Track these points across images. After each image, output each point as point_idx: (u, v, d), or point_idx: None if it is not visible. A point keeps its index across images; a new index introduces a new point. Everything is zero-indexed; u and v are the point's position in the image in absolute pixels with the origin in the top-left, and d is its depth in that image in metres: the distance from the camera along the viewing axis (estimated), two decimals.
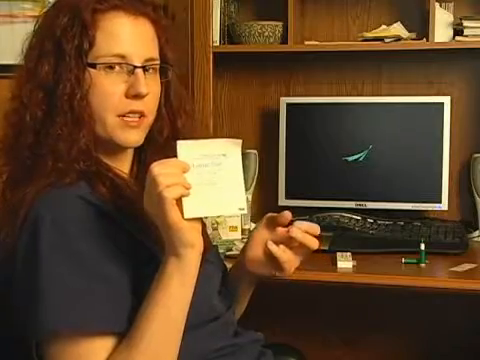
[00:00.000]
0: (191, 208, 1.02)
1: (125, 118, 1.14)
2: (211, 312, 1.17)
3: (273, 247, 1.20)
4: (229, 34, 2.31)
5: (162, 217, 0.99)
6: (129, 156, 1.22)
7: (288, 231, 1.20)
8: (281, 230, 1.22)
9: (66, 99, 1.10)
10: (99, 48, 1.12)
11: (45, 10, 1.18)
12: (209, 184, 1.04)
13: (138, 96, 1.13)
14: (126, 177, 1.19)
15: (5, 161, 1.13)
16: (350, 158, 2.26)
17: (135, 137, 1.16)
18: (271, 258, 1.23)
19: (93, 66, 1.11)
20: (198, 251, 1.03)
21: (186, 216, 1.01)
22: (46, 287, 1.00)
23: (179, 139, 1.21)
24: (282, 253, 1.20)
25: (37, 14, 1.19)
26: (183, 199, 1.01)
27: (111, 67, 1.12)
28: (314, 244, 1.19)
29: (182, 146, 1.04)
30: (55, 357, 1.01)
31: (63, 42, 1.11)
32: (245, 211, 1.07)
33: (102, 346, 1.01)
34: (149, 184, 1.00)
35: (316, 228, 1.20)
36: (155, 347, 1.01)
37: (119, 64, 1.12)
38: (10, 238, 1.04)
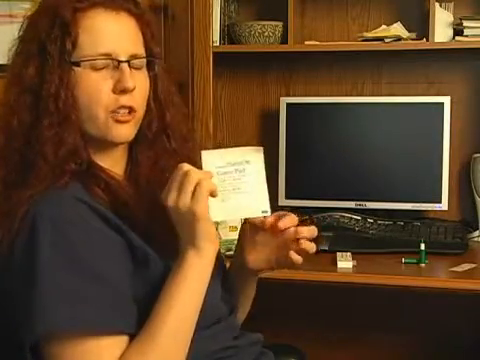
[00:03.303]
0: (216, 212, 1.07)
1: (115, 114, 1.13)
2: (214, 314, 1.17)
3: (295, 257, 1.21)
4: (229, 34, 2.31)
5: (194, 207, 1.03)
6: (122, 155, 1.21)
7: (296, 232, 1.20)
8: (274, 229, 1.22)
9: (52, 100, 1.09)
10: (83, 48, 1.11)
11: (28, 14, 1.17)
12: (233, 189, 1.10)
13: (125, 91, 1.12)
14: (119, 178, 1.18)
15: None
16: (350, 158, 2.26)
17: (126, 132, 1.15)
18: (271, 254, 1.24)
19: (77, 64, 1.11)
20: (216, 247, 1.08)
21: (212, 218, 1.07)
22: (45, 288, 0.99)
23: (168, 133, 1.22)
24: (298, 258, 1.21)
25: None
26: (209, 204, 1.06)
27: (97, 65, 1.12)
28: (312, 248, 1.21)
29: (206, 155, 1.09)
30: (56, 358, 1.01)
31: (47, 44, 1.10)
32: (268, 213, 1.13)
33: (104, 345, 1.01)
34: (181, 178, 1.04)
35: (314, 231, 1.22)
36: (169, 342, 1.03)
37: (104, 62, 1.12)
38: (6, 240, 1.04)
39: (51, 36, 1.10)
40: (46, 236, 1.01)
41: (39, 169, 1.07)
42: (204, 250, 1.06)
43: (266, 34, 2.23)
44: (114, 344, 1.02)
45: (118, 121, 1.13)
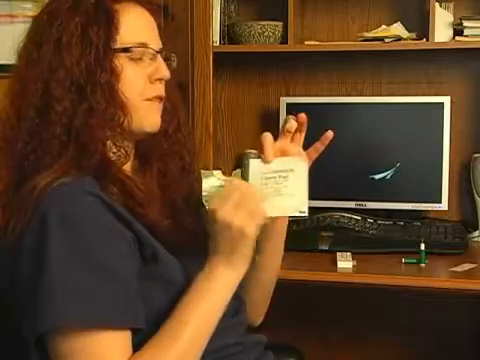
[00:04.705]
0: None
1: (151, 103, 1.17)
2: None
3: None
4: (229, 34, 2.31)
5: (247, 227, 1.07)
6: (131, 152, 1.22)
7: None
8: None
9: (105, 86, 1.10)
10: (124, 36, 1.14)
11: (49, 8, 1.17)
12: (274, 191, 1.15)
13: (162, 79, 1.18)
14: (132, 176, 1.19)
15: (12, 156, 1.11)
16: (350, 158, 2.26)
17: (159, 120, 1.20)
18: None
19: (123, 51, 1.13)
20: (246, 269, 1.12)
21: None
22: (54, 282, 1.00)
23: (181, 130, 1.26)
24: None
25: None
26: None
27: (135, 53, 1.15)
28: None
29: (253, 163, 1.16)
30: (64, 353, 1.01)
31: (89, 32, 1.11)
32: (306, 214, 1.17)
33: (110, 340, 1.01)
34: (243, 195, 1.09)
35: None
36: (187, 347, 1.05)
37: (143, 51, 1.15)
38: (17, 232, 1.04)
39: (93, 25, 1.12)
40: (56, 231, 1.01)
41: (67, 159, 1.07)
42: (236, 267, 1.11)
43: (266, 34, 2.23)
44: (121, 339, 1.02)
45: (153, 109, 1.18)
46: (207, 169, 1.98)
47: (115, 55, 1.12)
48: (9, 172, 1.10)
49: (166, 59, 1.22)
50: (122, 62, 1.13)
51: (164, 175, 1.24)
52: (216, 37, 2.23)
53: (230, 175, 2.16)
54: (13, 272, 1.04)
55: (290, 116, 1.23)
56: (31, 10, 2.35)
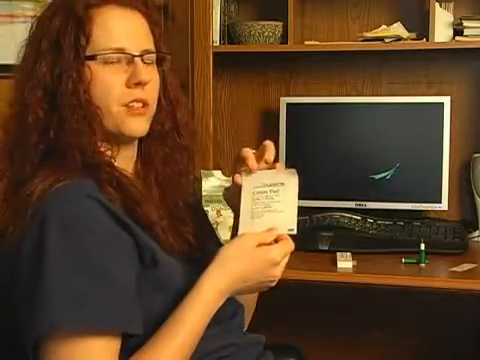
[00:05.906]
0: (245, 227, 1.15)
1: (129, 108, 1.14)
2: (217, 316, 1.17)
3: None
4: (229, 34, 2.31)
5: (275, 281, 1.17)
6: (132, 154, 1.22)
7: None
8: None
9: (70, 95, 1.10)
10: (97, 43, 1.13)
11: (38, 13, 1.18)
12: (264, 207, 1.16)
13: (140, 84, 1.14)
14: (131, 176, 1.19)
15: (7, 164, 1.13)
16: (350, 158, 2.26)
17: (141, 125, 1.17)
18: None
19: (92, 58, 1.12)
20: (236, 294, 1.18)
21: (240, 232, 1.15)
22: (52, 286, 0.99)
23: (179, 130, 1.25)
24: None
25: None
26: (240, 217, 1.15)
27: (110, 59, 1.13)
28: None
29: (246, 177, 1.17)
30: (58, 357, 1.00)
31: (60, 40, 1.12)
32: (294, 232, 1.18)
33: (107, 346, 1.01)
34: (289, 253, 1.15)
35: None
36: (183, 348, 1.07)
37: (118, 56, 1.14)
38: (16, 235, 1.04)
39: (65, 32, 1.12)
40: (55, 236, 1.01)
41: (53, 165, 1.08)
42: (235, 292, 1.14)
43: (266, 34, 2.23)
44: (114, 344, 1.02)
45: (132, 114, 1.14)
46: (207, 169, 1.99)
47: (85, 62, 1.12)
48: (5, 177, 1.12)
49: (160, 60, 1.21)
50: (94, 69, 1.12)
51: (163, 177, 1.24)
52: (216, 37, 2.23)
53: (230, 175, 2.17)
54: (15, 270, 1.04)
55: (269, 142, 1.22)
56: (31, 10, 2.35)
